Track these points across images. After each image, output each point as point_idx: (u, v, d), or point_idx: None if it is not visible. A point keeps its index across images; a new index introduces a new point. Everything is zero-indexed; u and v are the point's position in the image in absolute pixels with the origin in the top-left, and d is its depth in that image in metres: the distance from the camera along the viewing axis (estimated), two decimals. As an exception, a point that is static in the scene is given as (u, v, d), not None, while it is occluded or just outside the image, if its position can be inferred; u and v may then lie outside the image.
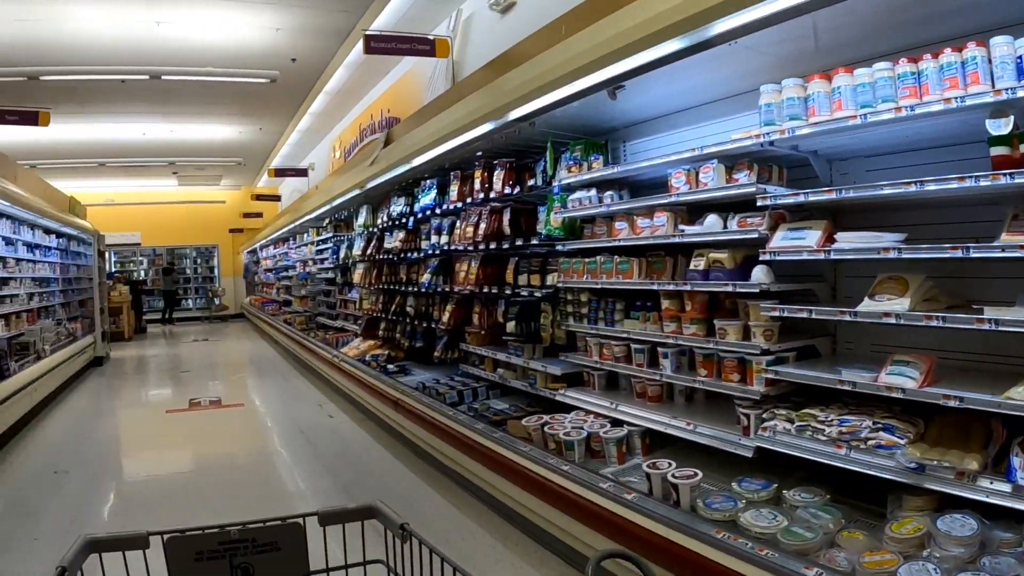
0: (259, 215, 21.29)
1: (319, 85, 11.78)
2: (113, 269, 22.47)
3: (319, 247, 11.05)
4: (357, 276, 8.34)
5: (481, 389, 5.55)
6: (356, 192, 7.39)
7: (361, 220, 8.18)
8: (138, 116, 12.82)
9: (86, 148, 14.73)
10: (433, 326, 6.37)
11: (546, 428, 4.02)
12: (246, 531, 1.34)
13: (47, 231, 10.17)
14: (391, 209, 7.03)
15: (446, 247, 5.88)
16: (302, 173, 14.18)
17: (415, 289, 6.61)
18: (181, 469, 5.69)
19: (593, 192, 4.18)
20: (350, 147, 13.12)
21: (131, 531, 1.32)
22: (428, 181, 6.18)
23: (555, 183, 4.50)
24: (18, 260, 8.59)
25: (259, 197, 17.42)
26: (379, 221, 7.61)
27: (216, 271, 24.00)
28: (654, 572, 1.22)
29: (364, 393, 6.83)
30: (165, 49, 8.97)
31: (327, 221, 10.18)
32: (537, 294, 4.63)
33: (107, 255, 22.50)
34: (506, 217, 4.99)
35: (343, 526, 1.45)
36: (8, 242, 8.18)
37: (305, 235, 12.59)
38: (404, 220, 6.72)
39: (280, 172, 14.04)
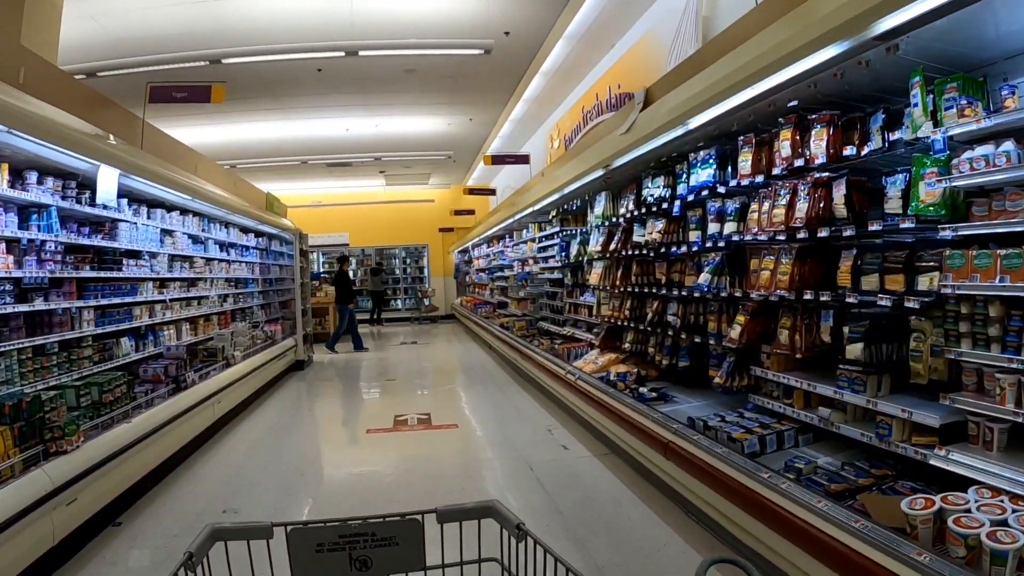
0: (471, 212, 21.26)
1: (535, 64, 10.95)
2: (322, 270, 23.66)
3: (541, 244, 10.19)
4: (594, 276, 7.28)
5: (788, 434, 4.21)
6: (596, 175, 6.33)
7: (598, 210, 7.11)
8: (339, 110, 12.89)
9: (288, 146, 15.27)
10: (709, 341, 5.10)
11: (949, 520, 2.63)
12: (366, 525, 1.41)
13: (244, 230, 10.32)
14: (644, 193, 5.86)
15: (733, 237, 4.59)
16: (522, 160, 13.50)
17: (680, 293, 5.39)
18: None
19: (1010, 147, 2.73)
20: (570, 134, 12.20)
21: (255, 521, 1.45)
22: (701, 153, 4.92)
23: (930, 137, 3.05)
24: (208, 260, 8.65)
25: (472, 191, 17.26)
26: (622, 210, 6.48)
27: (426, 271, 24.47)
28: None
29: (608, 421, 5.76)
30: (362, 26, 8.61)
31: (553, 214, 9.27)
32: (909, 303, 3.19)
33: (315, 256, 24.03)
34: (838, 192, 3.63)
35: (460, 524, 1.52)
36: (195, 240, 8.19)
37: (524, 231, 11.85)
38: (663, 206, 5.51)
39: (498, 159, 13.50)
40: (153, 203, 6.87)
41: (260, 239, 11.35)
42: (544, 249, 10.13)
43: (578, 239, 8.08)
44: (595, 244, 7.25)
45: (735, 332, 4.61)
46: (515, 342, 10.22)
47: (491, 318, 14.81)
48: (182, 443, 5.91)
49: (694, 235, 5.20)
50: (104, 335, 5.63)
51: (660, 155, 5.43)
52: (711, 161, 4.85)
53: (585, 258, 7.80)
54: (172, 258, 7.33)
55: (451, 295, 24.36)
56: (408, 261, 24.81)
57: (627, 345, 6.68)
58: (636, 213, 6.14)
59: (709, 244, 4.88)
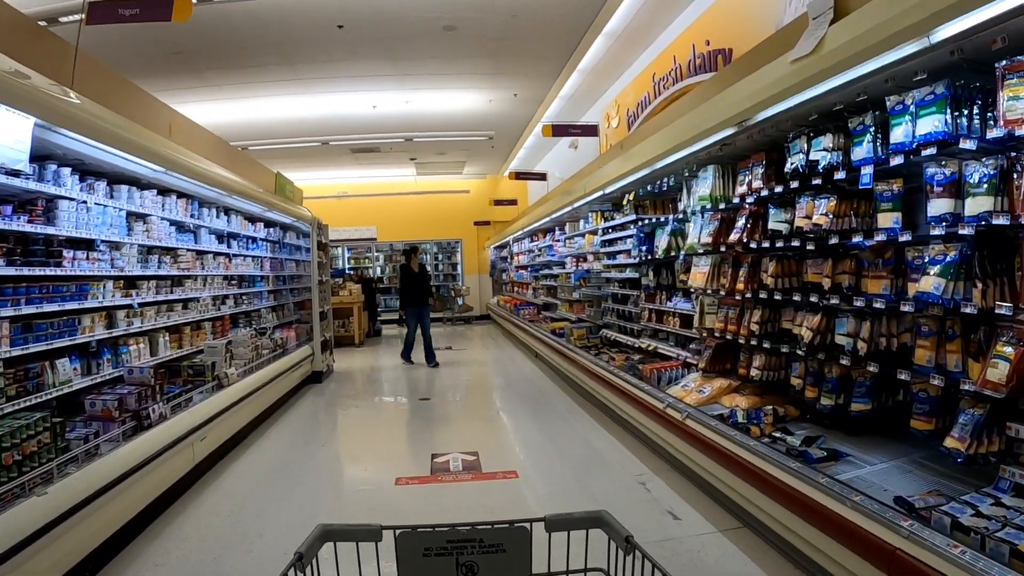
0: (512, 202, 19.59)
1: (599, 22, 9.23)
2: (347, 266, 22.16)
3: (607, 236, 8.48)
4: (695, 277, 5.54)
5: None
6: (718, 137, 4.58)
7: (702, 191, 5.37)
8: (365, 81, 11.27)
9: (307, 126, 13.64)
10: (910, 379, 3.35)
11: None
12: (474, 531, 1.43)
13: (250, 218, 8.73)
14: (792, 161, 4.10)
15: (985, 220, 2.84)
16: (590, 131, 11.76)
17: (863, 305, 3.64)
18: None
19: None
20: (635, 109, 10.48)
21: (365, 524, 1.51)
22: (916, 94, 3.16)
23: None
24: (200, 253, 7.08)
25: (520, 175, 15.39)
26: (743, 189, 4.74)
27: (459, 268, 22.86)
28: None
29: (739, 481, 4.07)
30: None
31: (627, 200, 7.53)
32: None
33: (340, 251, 22.53)
34: None
35: (568, 533, 1.53)
36: (182, 228, 6.63)
37: (582, 222, 10.14)
38: (830, 175, 3.76)
39: (559, 130, 11.57)
40: (118, 178, 5.28)
41: (272, 230, 9.79)
42: (611, 243, 8.40)
43: (668, 229, 6.32)
44: (698, 235, 5.49)
45: (997, 371, 2.85)
46: (573, 353, 8.52)
47: (536, 321, 13.12)
48: (134, 511, 4.27)
49: (887, 218, 3.46)
50: (26, 357, 4.01)
51: (833, 103, 3.68)
52: (940, 103, 3.09)
53: (682, 253, 6.06)
54: (146, 250, 5.74)
55: (486, 294, 22.74)
56: (440, 257, 23.20)
57: (754, 372, 4.92)
58: (772, 191, 4.40)
59: (937, 231, 3.13)
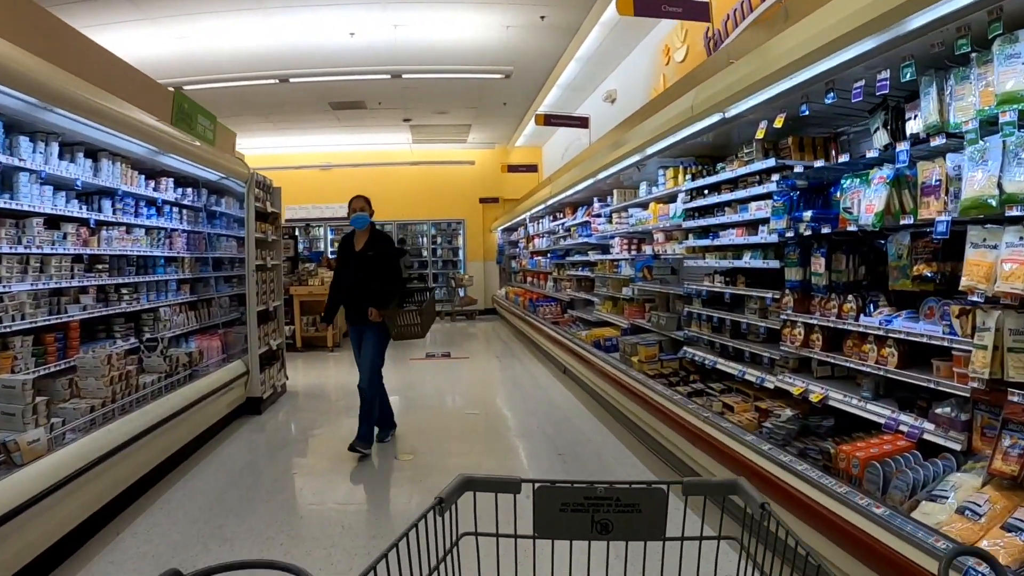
0: (531, 168, 16.49)
1: None
2: (330, 249, 19.13)
3: (696, 203, 5.43)
4: (975, 272, 2.53)
5: None
6: None
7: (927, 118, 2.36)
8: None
9: (263, 60, 10.43)
10: None
11: None
12: (611, 490, 1.42)
13: (149, 173, 5.82)
14: None
15: None
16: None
17: None
18: None
19: None
20: (723, 24, 7.39)
21: (506, 476, 1.45)
22: None
23: None
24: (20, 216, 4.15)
25: (550, 120, 11.70)
26: None
27: (461, 253, 19.84)
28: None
29: None
30: None
31: (762, 132, 4.45)
32: None
33: (322, 231, 19.35)
34: None
35: (704, 499, 1.50)
36: None
37: (644, 186, 7.08)
38: None
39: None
40: None
41: (188, 191, 6.76)
42: (706, 212, 5.38)
43: (885, 177, 3.25)
44: (995, 177, 2.50)
45: None
46: (646, 390, 5.49)
47: (562, 323, 10.10)
48: None
49: None
50: None
51: None
52: None
53: (944, 217, 2.96)
54: None
55: (492, 284, 19.71)
56: (439, 240, 20.10)
57: None
58: None
59: None
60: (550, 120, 10.77)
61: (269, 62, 10.29)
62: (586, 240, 9.24)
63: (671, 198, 6.21)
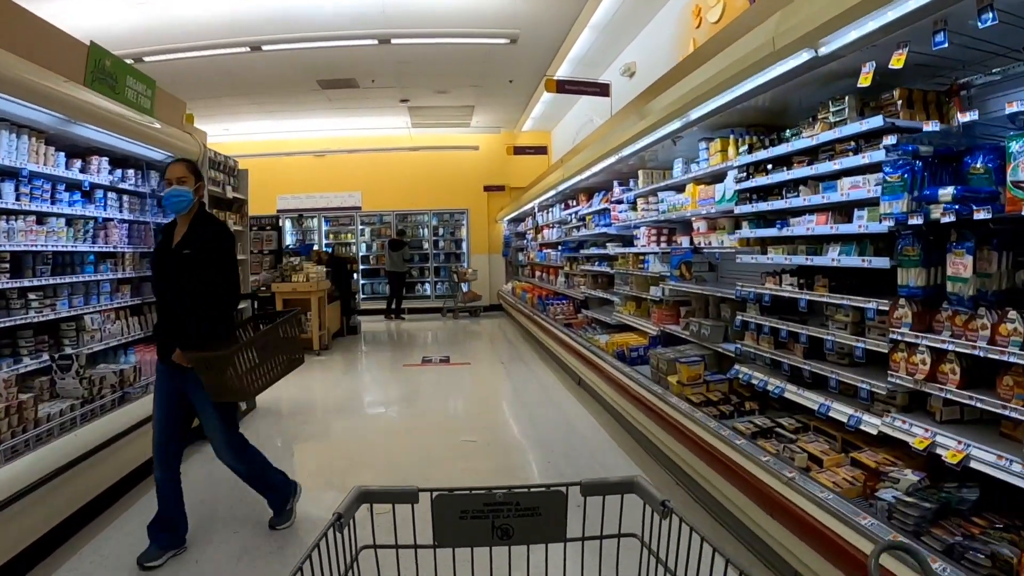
0: (540, 150, 15.32)
1: None
2: (324, 241, 18.03)
3: (754, 182, 4.26)
4: None
5: None
6: None
7: None
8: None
9: (229, 25, 9.22)
10: None
11: None
12: (510, 495, 1.43)
13: (71, 151, 4.73)
14: None
15: None
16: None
17: None
18: None
19: None
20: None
21: (402, 486, 1.47)
22: None
23: None
24: None
25: (566, 85, 9.75)
26: None
27: (464, 246, 18.68)
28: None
29: None
30: None
31: (833, 112, 3.31)
32: None
33: (315, 222, 17.94)
34: None
35: (603, 498, 1.51)
36: None
37: (679, 163, 5.89)
38: None
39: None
40: None
41: (131, 174, 5.63)
42: (766, 194, 4.22)
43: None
44: None
45: None
46: (692, 425, 4.36)
47: (576, 326, 8.96)
48: None
49: None
50: None
51: None
52: None
53: None
54: None
55: (497, 279, 18.56)
56: (441, 232, 18.92)
57: None
58: None
59: None
60: (564, 86, 9.42)
61: (239, 28, 9.07)
62: (604, 230, 8.06)
63: (717, 177, 5.04)
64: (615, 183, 7.77)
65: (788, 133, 4.06)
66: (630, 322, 7.20)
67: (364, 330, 14.20)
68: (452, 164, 17.98)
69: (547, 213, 12.47)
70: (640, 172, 6.80)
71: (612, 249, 7.88)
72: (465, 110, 15.55)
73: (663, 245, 6.33)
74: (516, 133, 17.74)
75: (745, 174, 4.46)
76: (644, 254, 6.65)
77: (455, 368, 9.72)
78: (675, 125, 5.02)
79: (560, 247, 11.25)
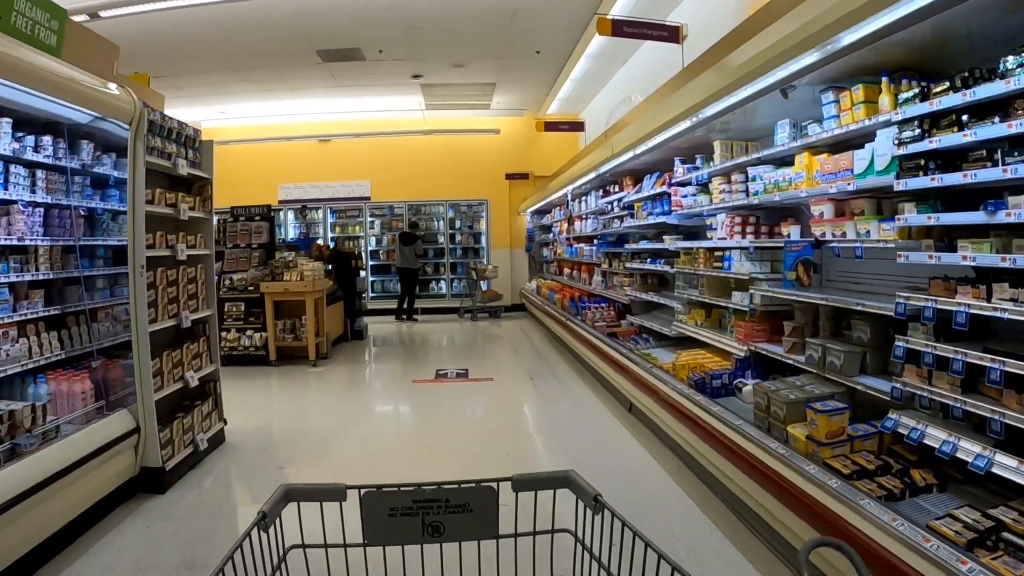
0: (576, 126, 13.97)
1: None
2: (331, 234, 16.67)
3: (918, 146, 2.80)
4: None
5: None
6: None
7: None
8: None
9: None
10: None
11: None
12: (440, 491, 1.41)
13: None
14: None
15: None
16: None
17: None
18: None
19: None
20: None
21: (329, 483, 1.44)
22: None
23: None
24: None
25: (621, 28, 6.91)
26: None
27: (483, 240, 17.23)
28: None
29: None
30: None
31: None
32: None
33: (320, 214, 16.49)
34: None
35: (535, 493, 1.51)
36: None
37: (778, 133, 4.39)
38: None
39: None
40: None
41: (46, 141, 4.28)
42: (947, 165, 2.77)
43: None
44: None
45: None
46: (857, 529, 2.97)
47: (623, 335, 7.53)
48: None
49: None
50: None
51: None
52: None
53: None
54: None
55: (520, 276, 17.14)
56: (458, 224, 17.45)
57: None
58: None
59: None
60: (621, 28, 7.66)
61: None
62: (661, 219, 6.59)
63: (843, 144, 3.59)
64: (677, 161, 6.30)
65: (1009, 64, 2.59)
66: (698, 335, 5.75)
67: (371, 333, 12.82)
68: (470, 150, 16.55)
69: (581, 202, 11.02)
70: (717, 143, 5.33)
71: (672, 243, 6.41)
72: (485, 88, 14.10)
73: (750, 238, 4.88)
74: (542, 117, 16.27)
75: (919, 130, 3.00)
76: (723, 249, 5.17)
77: (475, 385, 8.27)
78: (792, 68, 3.55)
79: (597, 240, 9.79)
